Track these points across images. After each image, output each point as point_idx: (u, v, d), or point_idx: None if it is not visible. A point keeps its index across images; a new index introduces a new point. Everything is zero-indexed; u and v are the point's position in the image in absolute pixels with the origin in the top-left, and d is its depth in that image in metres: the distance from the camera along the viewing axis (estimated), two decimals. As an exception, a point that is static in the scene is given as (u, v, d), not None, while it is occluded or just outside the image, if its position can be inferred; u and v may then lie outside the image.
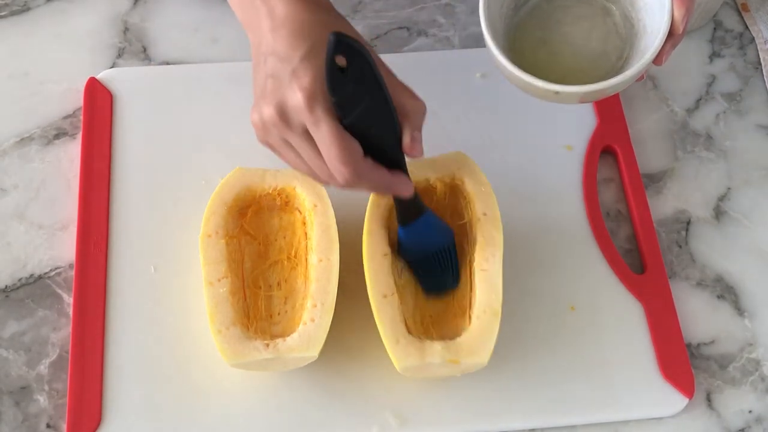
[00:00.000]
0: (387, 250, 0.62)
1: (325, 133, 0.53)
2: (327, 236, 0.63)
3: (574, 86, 0.58)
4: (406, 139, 0.56)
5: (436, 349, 0.59)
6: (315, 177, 0.57)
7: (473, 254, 0.63)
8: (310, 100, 0.52)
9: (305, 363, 0.61)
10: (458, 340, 0.60)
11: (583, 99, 0.60)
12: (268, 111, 0.54)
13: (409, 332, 0.60)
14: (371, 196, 0.64)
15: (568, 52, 0.63)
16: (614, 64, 0.63)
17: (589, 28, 0.64)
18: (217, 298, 0.61)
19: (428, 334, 0.62)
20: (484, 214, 0.63)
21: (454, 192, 0.66)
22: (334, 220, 0.64)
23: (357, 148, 0.54)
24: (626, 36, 0.64)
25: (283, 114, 0.54)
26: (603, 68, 0.62)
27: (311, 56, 0.53)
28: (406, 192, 0.59)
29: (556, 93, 0.58)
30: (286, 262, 0.65)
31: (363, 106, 0.53)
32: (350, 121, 0.53)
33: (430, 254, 0.64)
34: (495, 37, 0.59)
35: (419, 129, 0.57)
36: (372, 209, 0.63)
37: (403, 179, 0.58)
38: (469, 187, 0.65)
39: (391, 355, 0.60)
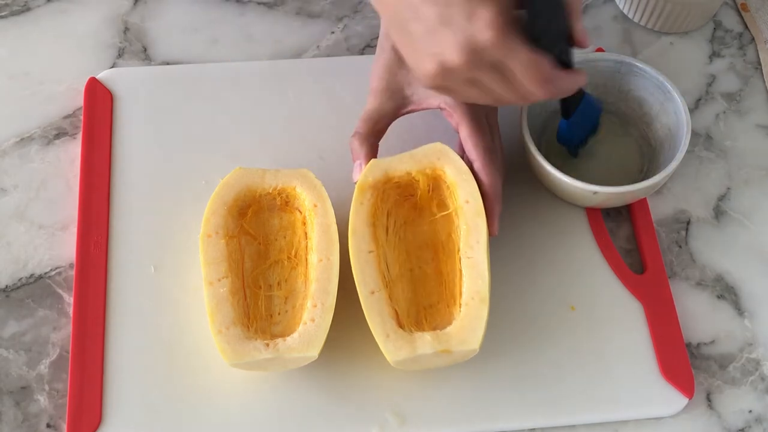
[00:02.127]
0: (372, 247, 0.62)
1: (524, 62, 0.52)
2: (327, 236, 0.63)
3: (611, 187, 0.66)
4: (579, 28, 0.56)
5: (426, 340, 0.59)
6: (499, 102, 0.57)
7: (459, 243, 0.63)
8: (502, 34, 0.51)
9: (305, 363, 0.61)
10: (448, 329, 0.60)
11: (616, 200, 0.69)
12: (453, 56, 0.52)
13: (401, 326, 0.61)
14: (355, 194, 0.64)
15: (594, 167, 0.71)
16: (636, 177, 0.71)
17: (611, 147, 0.73)
18: (218, 298, 0.61)
19: (421, 327, 0.62)
20: (467, 202, 0.64)
21: (437, 182, 0.66)
22: (334, 219, 0.64)
23: (550, 63, 0.54)
24: (645, 152, 0.72)
25: (474, 54, 0.52)
26: (627, 180, 0.68)
27: None
28: (584, 82, 0.60)
29: (594, 193, 0.66)
30: (286, 262, 0.65)
31: (546, 11, 0.54)
32: (537, 33, 0.53)
33: (589, 130, 0.71)
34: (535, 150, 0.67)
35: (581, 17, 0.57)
36: (356, 207, 0.63)
37: (581, 73, 0.59)
38: (451, 176, 0.65)
39: (382, 350, 0.60)
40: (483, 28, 0.51)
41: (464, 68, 0.53)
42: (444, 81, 0.55)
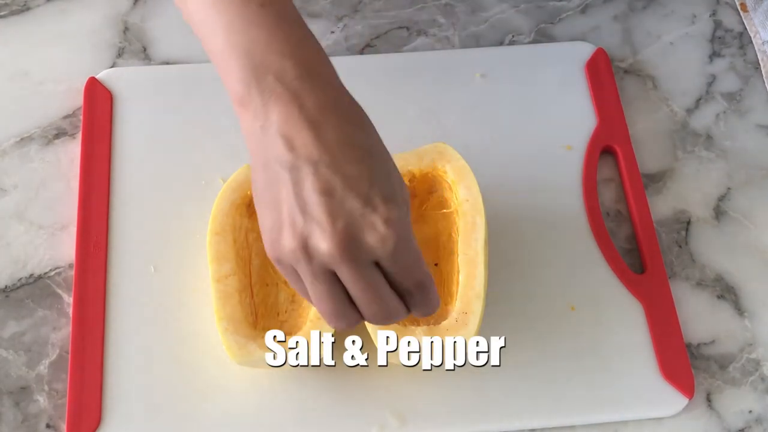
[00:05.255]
0: None
1: (418, 260, 0.48)
2: None
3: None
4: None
5: (417, 333, 0.60)
6: (350, 318, 0.51)
7: (458, 241, 0.63)
8: (403, 238, 0.46)
9: None
10: (442, 324, 0.60)
11: None
12: (323, 246, 0.46)
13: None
14: None
15: None
16: None
17: None
18: (224, 296, 0.61)
19: (417, 323, 0.62)
20: (467, 201, 0.64)
21: (438, 181, 0.66)
22: None
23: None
24: None
25: (351, 251, 0.46)
26: None
27: (382, 158, 0.48)
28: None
29: None
30: (293, 260, 0.65)
31: None
32: None
33: None
34: None
35: None
36: None
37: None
38: (451, 175, 0.65)
39: (375, 342, 0.60)
40: (382, 225, 0.47)
41: (328, 258, 0.47)
42: (295, 262, 0.48)
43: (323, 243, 0.46)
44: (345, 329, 0.52)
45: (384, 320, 0.51)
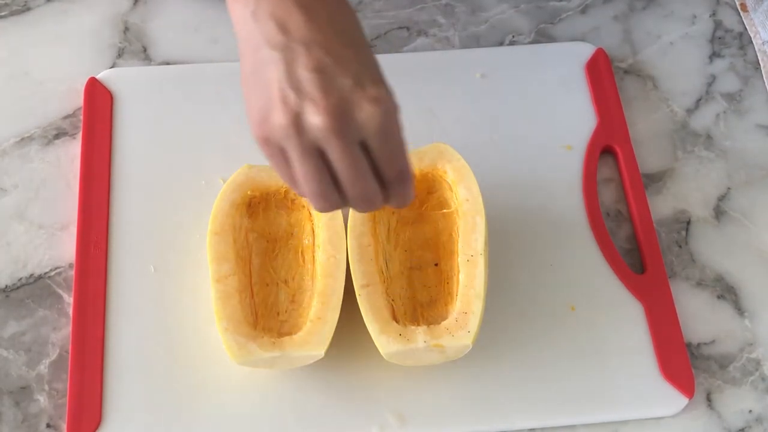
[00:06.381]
0: (370, 241, 0.63)
1: (403, 148, 0.50)
2: (334, 234, 0.63)
3: None
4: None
5: (419, 333, 0.60)
6: (343, 199, 0.52)
7: (459, 241, 0.63)
8: (392, 118, 0.48)
9: (311, 361, 0.61)
10: (442, 324, 0.60)
11: None
12: (316, 120, 0.47)
13: (396, 321, 0.61)
14: None
15: None
16: None
17: None
18: (224, 296, 0.61)
19: (417, 323, 0.62)
20: (467, 201, 0.64)
21: (438, 181, 0.66)
22: (342, 217, 0.64)
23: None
24: None
25: (342, 125, 0.47)
26: None
27: (368, 48, 0.49)
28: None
29: None
30: (293, 260, 0.65)
31: None
32: None
33: None
34: None
35: None
36: None
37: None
38: (452, 175, 0.65)
39: (375, 341, 0.60)
40: (370, 102, 0.48)
41: (320, 134, 0.48)
42: (284, 139, 0.49)
43: (316, 117, 0.47)
44: (327, 211, 0.53)
45: (364, 203, 0.52)
